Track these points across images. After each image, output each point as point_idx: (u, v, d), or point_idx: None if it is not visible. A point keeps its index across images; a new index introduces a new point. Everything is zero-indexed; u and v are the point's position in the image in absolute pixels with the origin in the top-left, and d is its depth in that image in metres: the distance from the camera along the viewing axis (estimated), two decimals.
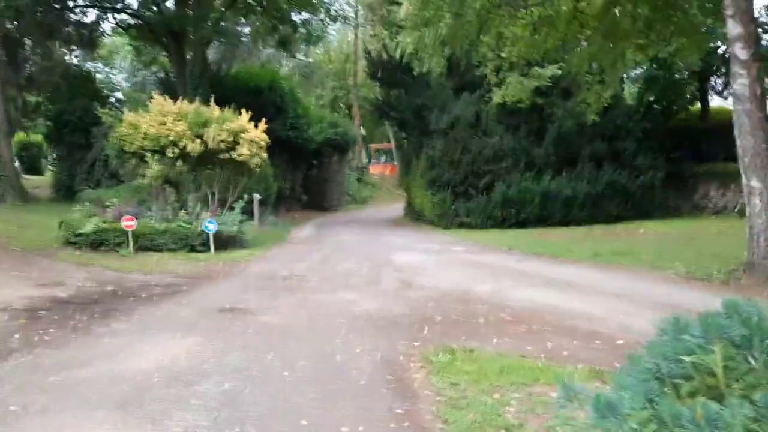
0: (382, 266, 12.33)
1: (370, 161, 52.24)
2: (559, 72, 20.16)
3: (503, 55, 13.61)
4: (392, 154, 52.84)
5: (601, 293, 9.12)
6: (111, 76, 49.21)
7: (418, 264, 12.56)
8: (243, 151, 15.02)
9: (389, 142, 54.32)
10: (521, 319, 7.57)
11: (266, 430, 4.39)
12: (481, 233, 18.87)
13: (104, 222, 14.14)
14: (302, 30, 27.46)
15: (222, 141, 14.97)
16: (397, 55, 13.06)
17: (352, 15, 43.25)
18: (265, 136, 15.58)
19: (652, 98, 22.76)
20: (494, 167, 20.39)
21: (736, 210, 20.34)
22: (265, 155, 15.68)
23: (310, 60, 48.71)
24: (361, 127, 46.17)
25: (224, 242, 14.69)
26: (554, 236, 17.46)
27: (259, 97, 24.73)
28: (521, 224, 19.86)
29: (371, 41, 46.44)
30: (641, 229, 18.15)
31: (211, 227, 14.18)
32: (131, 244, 13.74)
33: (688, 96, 23.55)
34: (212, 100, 16.11)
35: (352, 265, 12.69)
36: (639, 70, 22.34)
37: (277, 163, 28.44)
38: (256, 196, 19.61)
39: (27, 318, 8.16)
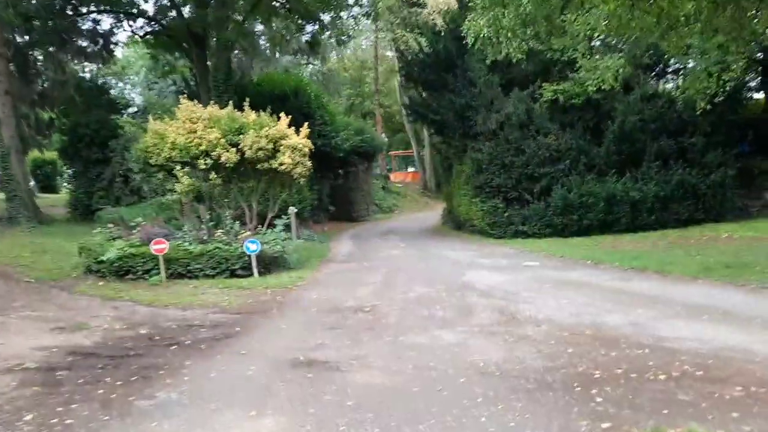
0: (462, 290, 10.16)
1: (391, 169, 50.04)
2: (622, 63, 17.94)
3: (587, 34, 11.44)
4: (414, 161, 50.82)
5: None
6: (125, 91, 47.37)
7: (501, 285, 10.38)
8: (285, 159, 12.91)
9: (407, 149, 52.43)
10: (718, 375, 5.39)
11: None
12: (543, 243, 16.65)
13: (130, 246, 12.04)
14: (329, 30, 25.33)
15: (261, 149, 12.89)
16: (470, 40, 10.72)
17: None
18: (309, 143, 13.49)
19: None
20: (551, 170, 18.19)
21: None
22: (309, 164, 13.57)
23: (327, 67, 46.61)
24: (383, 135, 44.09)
25: (267, 264, 12.58)
26: (631, 245, 15.22)
27: (285, 104, 22.54)
28: (584, 232, 17.64)
29: (390, 44, 44.53)
30: (724, 233, 15.87)
31: (253, 248, 12.07)
32: (163, 270, 11.63)
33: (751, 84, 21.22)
34: (246, 104, 14.04)
35: (424, 288, 10.52)
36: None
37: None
38: (293, 210, 17.50)
39: (42, 383, 6.08)
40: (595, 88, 17.01)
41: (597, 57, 18.11)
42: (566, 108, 19.10)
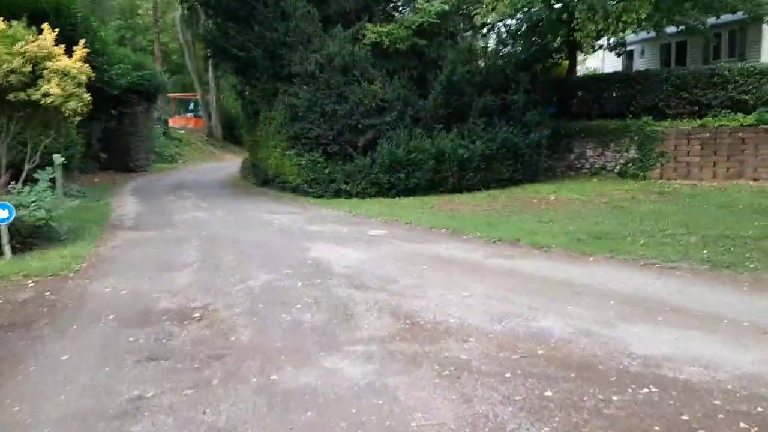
0: (318, 275, 7.51)
1: (170, 113, 44.28)
2: (447, 8, 16.22)
3: None
4: (196, 105, 45.65)
5: (756, 329, 5.42)
6: None
7: (364, 266, 7.94)
8: (53, 89, 8.90)
9: (186, 92, 46.94)
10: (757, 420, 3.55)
11: None
12: (372, 205, 14.50)
13: None
14: None
15: (12, 72, 8.73)
16: None
17: None
18: (87, 69, 9.58)
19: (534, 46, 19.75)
20: (377, 121, 15.99)
21: (616, 171, 18.39)
22: (88, 96, 9.66)
23: None
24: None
25: (26, 238, 8.67)
26: (468, 208, 13.72)
27: (41, 25, 17.41)
28: (410, 191, 15.83)
29: None
30: (551, 195, 15.12)
31: (3, 214, 8.10)
32: None
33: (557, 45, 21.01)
34: None
35: (265, 273, 7.67)
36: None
37: None
38: (59, 159, 13.15)
39: None
40: (377, 40, 15.17)
41: None
42: (389, 54, 16.97)
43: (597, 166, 19.02)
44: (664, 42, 22.23)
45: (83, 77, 9.53)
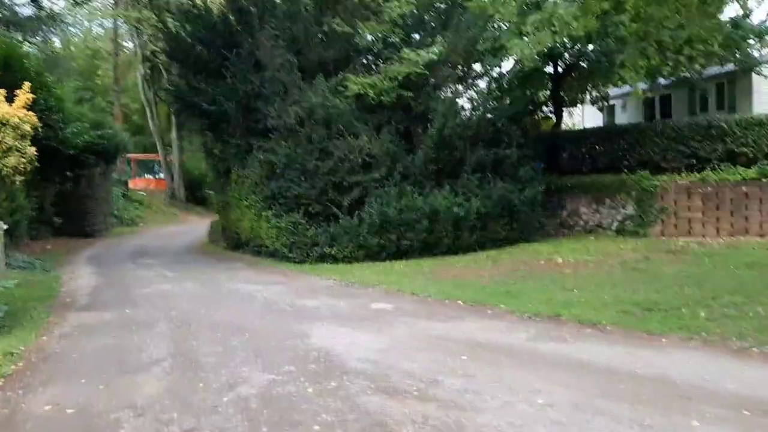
0: (331, 374, 5.65)
1: (130, 175, 41.96)
2: (435, 57, 14.99)
3: None
4: (157, 166, 43.55)
5: None
6: None
7: (393, 362, 6.08)
8: None
9: (147, 152, 44.88)
10: None
11: None
12: (364, 270, 12.71)
13: None
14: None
15: None
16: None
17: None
18: (32, 117, 7.75)
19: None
20: (363, 178, 14.39)
21: (613, 228, 17.09)
22: (32, 150, 7.80)
23: (51, 49, 37.32)
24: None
25: None
26: (471, 273, 12.07)
27: None
28: (402, 254, 14.14)
29: (131, 32, 37.12)
30: (556, 257, 13.61)
31: None
32: None
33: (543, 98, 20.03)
34: None
35: (260, 372, 5.78)
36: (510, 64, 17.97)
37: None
38: (1, 225, 11.06)
39: None
40: (362, 91, 13.80)
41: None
42: (373, 107, 15.54)
43: (592, 223, 17.71)
44: (647, 96, 21.50)
45: (27, 127, 7.70)
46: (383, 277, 11.68)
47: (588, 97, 21.03)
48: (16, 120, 7.56)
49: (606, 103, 22.25)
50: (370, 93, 15.13)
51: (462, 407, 4.76)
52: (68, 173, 23.38)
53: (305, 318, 8.21)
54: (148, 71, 36.78)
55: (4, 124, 7.47)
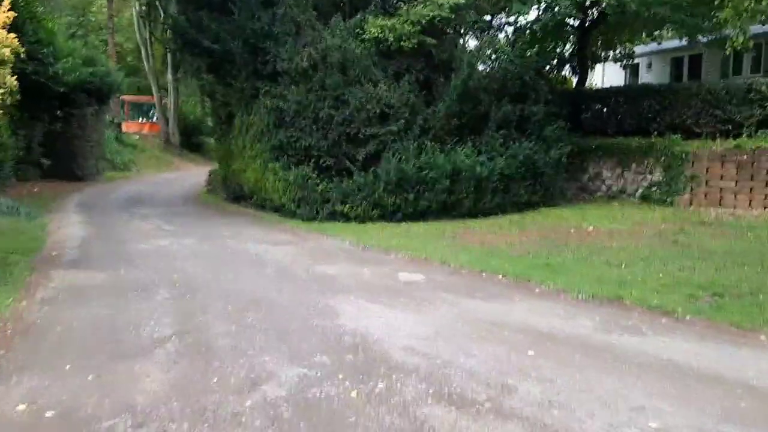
0: (378, 374, 4.55)
1: (123, 117, 40.10)
2: (462, 0, 13.54)
3: None
4: (151, 109, 41.71)
5: None
6: None
7: (448, 356, 4.97)
8: None
9: (142, 95, 42.96)
10: None
11: None
12: (380, 232, 11.56)
13: None
14: None
15: None
16: None
17: None
18: (12, 39, 6.41)
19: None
20: (380, 131, 13.09)
21: (638, 195, 16.00)
22: (14, 81, 6.49)
23: None
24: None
25: None
26: (499, 239, 10.94)
27: None
28: (419, 215, 12.98)
29: None
30: (586, 225, 12.53)
31: None
32: None
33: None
34: None
35: (291, 368, 4.67)
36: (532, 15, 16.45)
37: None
38: None
39: None
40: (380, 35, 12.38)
41: None
42: (391, 53, 14.13)
43: (615, 188, 16.59)
44: (677, 55, 20.12)
45: (7, 52, 6.35)
46: (404, 240, 10.55)
47: (612, 54, 19.63)
48: None
49: (631, 61, 20.84)
50: (390, 37, 13.71)
51: (550, 426, 3.69)
52: (58, 112, 21.89)
53: (327, 289, 7.08)
54: (144, 8, 34.67)
55: None
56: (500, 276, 7.87)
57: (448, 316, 6.08)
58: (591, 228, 12.31)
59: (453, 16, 13.64)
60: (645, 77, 21.90)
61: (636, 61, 21.60)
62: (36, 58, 18.07)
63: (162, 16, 33.34)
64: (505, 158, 13.45)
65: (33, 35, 17.96)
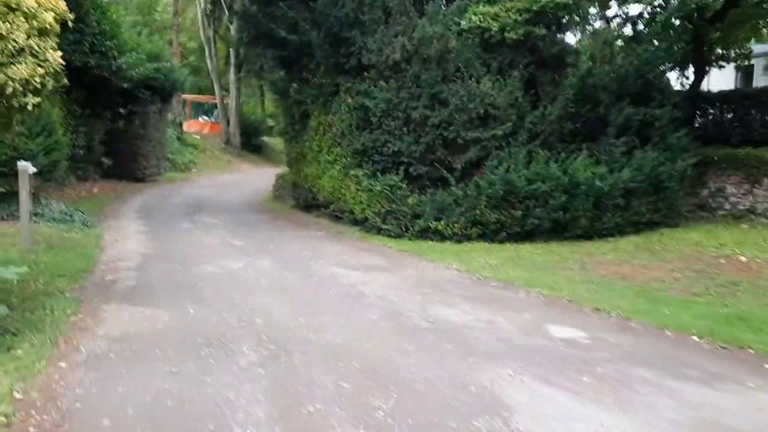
0: None
1: (185, 116, 39.11)
2: None
3: None
4: (212, 109, 40.71)
5: None
6: None
7: None
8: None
9: (204, 94, 42.04)
10: None
11: None
12: (487, 255, 9.48)
13: None
14: None
15: None
16: None
17: None
18: (58, 2, 4.59)
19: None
20: (483, 135, 11.01)
21: None
22: (58, 57, 4.70)
23: None
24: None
25: None
26: (636, 271, 8.72)
27: None
28: (525, 236, 10.82)
29: None
30: (732, 252, 10.16)
31: None
32: None
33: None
34: None
35: None
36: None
37: (66, 105, 16.28)
38: (25, 167, 8.23)
39: None
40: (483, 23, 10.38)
41: None
42: (492, 46, 12.04)
43: (741, 207, 14.04)
44: None
45: (49, 17, 4.58)
46: (523, 271, 8.43)
47: (733, 54, 17.01)
48: (31, 3, 4.46)
49: (747, 62, 18.18)
50: (494, 27, 11.62)
51: None
52: (121, 110, 20.61)
53: (467, 353, 5.04)
54: (209, 5, 33.59)
55: (12, 9, 4.38)
56: (695, 337, 5.67)
57: (674, 418, 3.95)
58: (743, 258, 9.94)
59: (570, 3, 11.44)
60: (760, 80, 19.18)
61: (751, 62, 18.91)
62: (99, 51, 16.73)
63: (227, 14, 32.33)
64: (631, 170, 11.16)
65: (96, 26, 16.63)
